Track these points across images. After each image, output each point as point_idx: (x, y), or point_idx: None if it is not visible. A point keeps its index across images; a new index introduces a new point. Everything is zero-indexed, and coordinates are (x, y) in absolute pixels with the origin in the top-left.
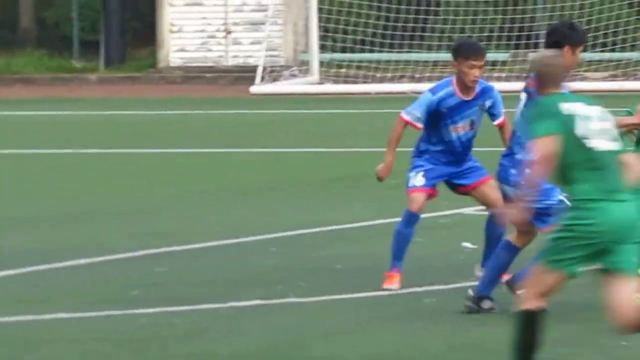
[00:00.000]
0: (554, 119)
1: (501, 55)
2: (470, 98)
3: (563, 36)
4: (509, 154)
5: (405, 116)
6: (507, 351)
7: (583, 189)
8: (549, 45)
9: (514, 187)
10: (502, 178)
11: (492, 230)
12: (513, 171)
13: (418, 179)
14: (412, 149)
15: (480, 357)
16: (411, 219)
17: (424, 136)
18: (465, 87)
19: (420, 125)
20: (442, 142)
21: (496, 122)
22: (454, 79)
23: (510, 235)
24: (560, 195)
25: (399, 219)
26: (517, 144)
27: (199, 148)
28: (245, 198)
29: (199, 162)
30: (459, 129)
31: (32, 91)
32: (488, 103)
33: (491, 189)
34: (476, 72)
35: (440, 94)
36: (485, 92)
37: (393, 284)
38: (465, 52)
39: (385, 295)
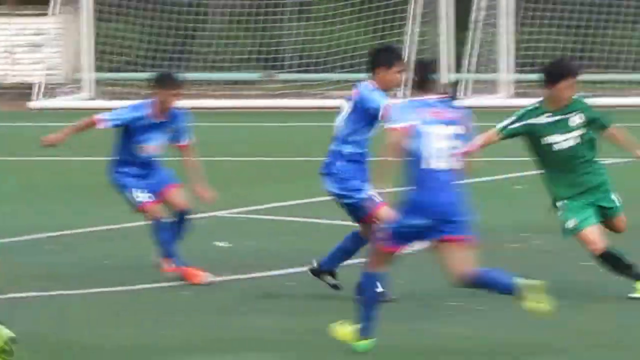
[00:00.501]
0: None
1: (252, 75)
2: (162, 120)
3: (376, 59)
4: (335, 153)
5: (101, 117)
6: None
7: None
8: (369, 64)
9: (333, 182)
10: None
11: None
12: (338, 163)
13: (143, 196)
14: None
15: (261, 346)
16: (159, 225)
17: (118, 154)
18: (160, 111)
19: (107, 126)
20: (132, 157)
21: (178, 144)
22: (152, 101)
23: (360, 229)
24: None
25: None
26: (339, 143)
27: None
28: (21, 201)
29: None
30: (148, 148)
31: None
32: (175, 127)
33: (176, 194)
34: (174, 100)
35: (137, 112)
36: (176, 117)
37: (206, 277)
38: (165, 82)
39: (148, 289)
